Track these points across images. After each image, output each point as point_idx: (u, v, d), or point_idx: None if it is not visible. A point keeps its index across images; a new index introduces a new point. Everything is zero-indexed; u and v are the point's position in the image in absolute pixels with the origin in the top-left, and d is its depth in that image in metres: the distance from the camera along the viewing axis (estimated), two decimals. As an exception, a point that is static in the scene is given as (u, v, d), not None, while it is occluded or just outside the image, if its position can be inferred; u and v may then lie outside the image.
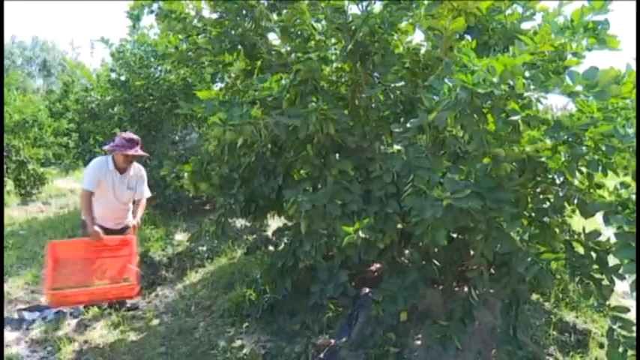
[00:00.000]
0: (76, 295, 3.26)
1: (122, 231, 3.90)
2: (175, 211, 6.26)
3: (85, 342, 3.39)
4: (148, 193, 4.02)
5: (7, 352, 3.27)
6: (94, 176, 3.63)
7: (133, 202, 3.97)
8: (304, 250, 3.01)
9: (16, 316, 3.79)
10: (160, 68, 6.29)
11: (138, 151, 3.70)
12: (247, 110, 2.54)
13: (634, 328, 2.29)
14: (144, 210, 4.05)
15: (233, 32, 3.28)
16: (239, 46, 3.32)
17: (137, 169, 3.89)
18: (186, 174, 3.25)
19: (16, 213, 7.23)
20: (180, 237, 5.53)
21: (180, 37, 3.55)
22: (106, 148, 3.72)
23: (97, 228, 3.52)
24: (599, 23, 2.18)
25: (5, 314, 3.78)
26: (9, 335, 3.50)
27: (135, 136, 3.70)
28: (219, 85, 3.78)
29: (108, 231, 3.73)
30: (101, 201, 3.73)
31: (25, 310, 3.86)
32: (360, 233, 2.39)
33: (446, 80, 2.15)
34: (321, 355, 3.06)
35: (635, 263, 1.86)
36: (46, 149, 8.82)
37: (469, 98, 2.01)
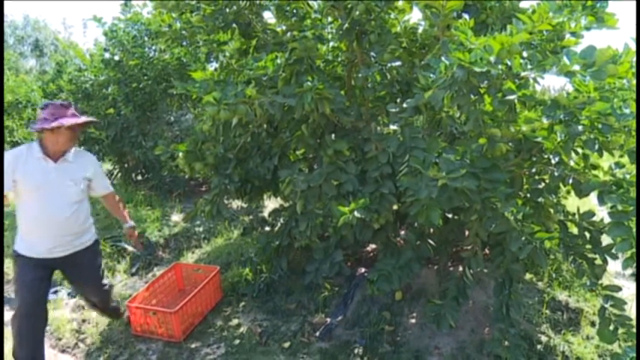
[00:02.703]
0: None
1: (74, 258, 2.68)
2: (171, 193, 6.25)
3: (83, 321, 3.42)
4: (109, 186, 2.94)
5: (6, 330, 3.29)
6: (6, 170, 2.51)
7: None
8: (300, 230, 3.02)
9: (13, 295, 3.80)
10: (154, 48, 6.20)
11: (79, 116, 2.62)
12: (242, 89, 2.52)
13: (625, 306, 2.33)
14: (123, 207, 3.07)
15: (227, 10, 3.23)
16: (234, 25, 3.27)
17: (77, 153, 2.72)
18: (180, 154, 3.21)
19: (11, 194, 7.20)
20: (177, 218, 5.53)
21: (173, 15, 3.48)
22: (35, 128, 2.53)
23: None
24: (598, 1, 2.15)
25: (4, 293, 3.80)
26: (8, 314, 3.52)
27: (64, 101, 2.64)
28: (214, 64, 3.74)
29: (48, 261, 2.61)
30: (29, 210, 2.59)
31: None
32: (356, 213, 2.39)
33: (443, 59, 2.13)
34: (317, 334, 3.10)
35: (628, 242, 1.87)
36: (40, 130, 8.74)
37: (466, 77, 2.00)
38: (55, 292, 3.83)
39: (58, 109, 2.57)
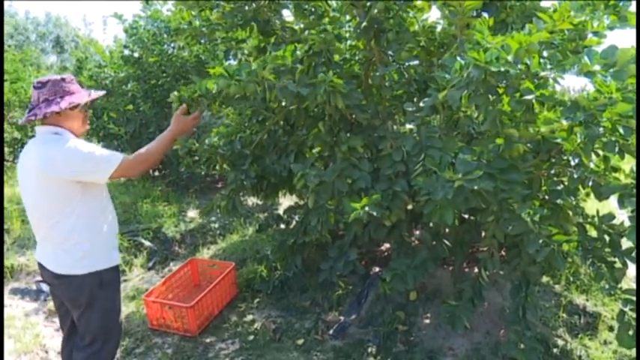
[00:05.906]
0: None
1: None
2: (188, 189, 6.31)
3: (101, 314, 3.48)
4: None
5: (26, 321, 3.37)
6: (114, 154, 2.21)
7: None
8: (311, 225, 3.02)
9: (34, 287, 3.89)
10: (173, 45, 6.27)
11: (88, 90, 2.26)
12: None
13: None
14: None
15: (247, 8, 3.25)
16: (252, 23, 3.28)
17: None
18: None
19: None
20: (193, 214, 5.59)
21: (193, 12, 3.52)
22: (43, 112, 2.10)
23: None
24: (621, 0, 2.12)
25: (24, 285, 3.89)
26: (28, 305, 3.62)
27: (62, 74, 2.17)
28: (232, 62, 3.76)
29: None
30: (105, 210, 2.27)
31: (42, 281, 3.96)
32: (367, 209, 2.39)
33: (458, 58, 2.11)
34: (331, 332, 3.11)
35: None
36: (61, 125, 8.90)
37: (482, 77, 1.98)
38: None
39: (59, 85, 2.11)
